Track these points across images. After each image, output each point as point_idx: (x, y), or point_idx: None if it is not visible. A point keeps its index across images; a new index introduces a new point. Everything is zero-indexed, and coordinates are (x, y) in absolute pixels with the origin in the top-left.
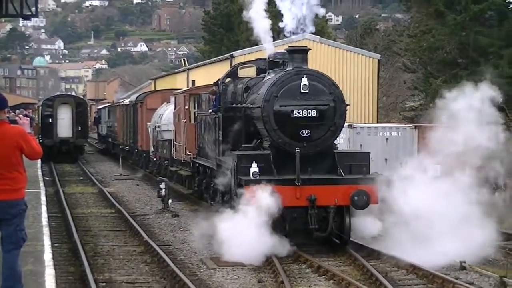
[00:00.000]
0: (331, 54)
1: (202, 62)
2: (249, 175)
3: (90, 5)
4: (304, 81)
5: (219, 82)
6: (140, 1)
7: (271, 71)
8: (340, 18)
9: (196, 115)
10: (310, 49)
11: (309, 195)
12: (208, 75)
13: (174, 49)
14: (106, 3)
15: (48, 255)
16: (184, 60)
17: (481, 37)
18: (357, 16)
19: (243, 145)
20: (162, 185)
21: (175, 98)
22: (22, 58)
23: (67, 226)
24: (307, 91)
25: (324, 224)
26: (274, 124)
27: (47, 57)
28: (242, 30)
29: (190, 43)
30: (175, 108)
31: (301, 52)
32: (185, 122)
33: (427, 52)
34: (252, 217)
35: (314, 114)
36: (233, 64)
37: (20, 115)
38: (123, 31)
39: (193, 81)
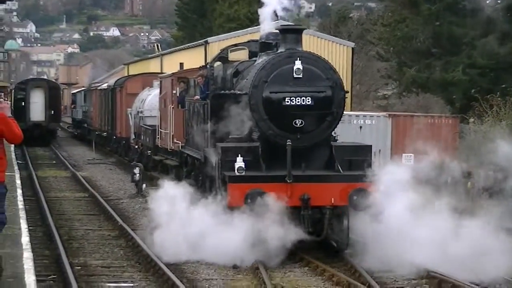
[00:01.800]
0: (305, 41)
1: (175, 48)
2: (234, 171)
3: None
4: (298, 64)
5: (207, 66)
6: None
7: (262, 53)
8: (313, 5)
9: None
10: (305, 28)
11: (302, 194)
12: (182, 61)
13: (147, 34)
14: None
15: (25, 239)
16: (157, 45)
17: (454, 27)
18: (330, 4)
19: (230, 137)
20: (136, 170)
21: (160, 82)
22: None
23: (41, 210)
24: (300, 75)
25: (319, 226)
26: (263, 113)
27: (19, 40)
28: (215, 16)
29: (163, 29)
30: (160, 93)
31: (294, 32)
32: (172, 107)
33: (401, 41)
34: (233, 220)
35: (309, 102)
36: (207, 51)
37: (1, 99)
38: (95, 16)
39: (181, 64)
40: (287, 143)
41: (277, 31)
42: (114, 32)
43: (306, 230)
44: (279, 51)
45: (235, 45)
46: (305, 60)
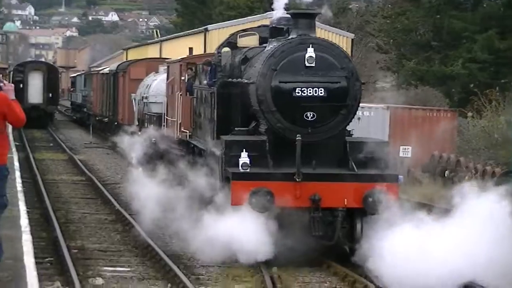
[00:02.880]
0: None
1: (175, 34)
2: (238, 166)
3: None
4: (310, 52)
5: (215, 52)
6: None
7: (273, 39)
8: None
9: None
10: (319, 13)
11: (312, 194)
12: (181, 47)
13: (146, 20)
14: None
15: (24, 221)
16: (156, 31)
17: (455, 21)
18: None
19: (236, 129)
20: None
21: (168, 67)
22: None
23: (38, 192)
24: (313, 64)
25: (330, 230)
26: (271, 104)
27: (18, 23)
28: (215, 4)
29: (162, 15)
30: (167, 79)
31: (307, 17)
32: (180, 94)
33: (401, 33)
34: (236, 220)
35: (321, 93)
36: (206, 38)
37: (5, 81)
38: (94, 0)
39: (191, 49)
40: (297, 138)
41: (289, 15)
42: (113, 17)
43: (316, 234)
44: (290, 37)
45: (245, 30)
46: (318, 48)
